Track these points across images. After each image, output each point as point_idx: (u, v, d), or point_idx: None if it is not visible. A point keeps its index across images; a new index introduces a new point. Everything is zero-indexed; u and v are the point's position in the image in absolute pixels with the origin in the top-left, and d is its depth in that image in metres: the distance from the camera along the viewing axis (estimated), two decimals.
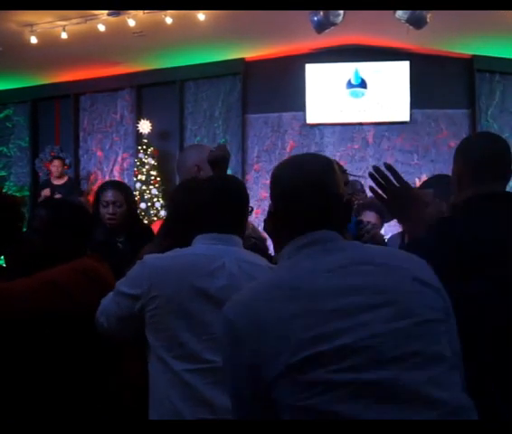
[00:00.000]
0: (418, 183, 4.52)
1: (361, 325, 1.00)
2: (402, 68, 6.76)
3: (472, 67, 6.73)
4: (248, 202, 1.72)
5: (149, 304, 1.53)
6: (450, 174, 2.16)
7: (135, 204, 2.86)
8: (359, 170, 6.96)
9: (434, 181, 2.13)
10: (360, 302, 1.02)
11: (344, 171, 4.00)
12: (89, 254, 1.87)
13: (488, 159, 1.63)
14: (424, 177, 4.55)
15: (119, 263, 1.94)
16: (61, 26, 5.62)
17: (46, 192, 6.63)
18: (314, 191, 1.12)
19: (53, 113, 7.77)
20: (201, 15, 5.45)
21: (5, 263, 1.99)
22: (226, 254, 1.57)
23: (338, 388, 0.96)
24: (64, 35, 5.68)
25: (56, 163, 6.99)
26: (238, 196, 1.68)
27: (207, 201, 1.66)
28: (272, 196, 1.20)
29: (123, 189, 2.69)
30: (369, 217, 2.97)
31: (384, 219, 3.22)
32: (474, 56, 6.66)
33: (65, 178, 7.06)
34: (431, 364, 1.01)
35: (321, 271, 1.06)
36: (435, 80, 6.68)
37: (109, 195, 2.57)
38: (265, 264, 1.62)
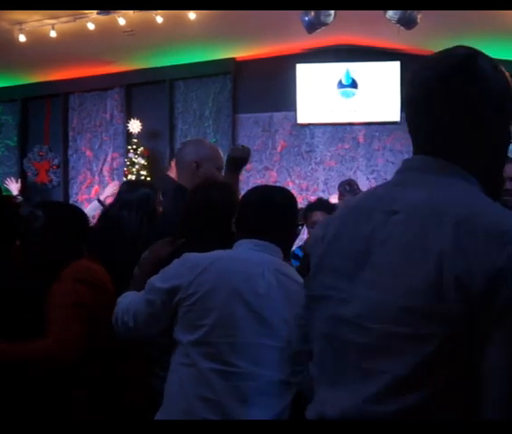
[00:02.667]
0: None
1: None
2: (393, 68, 6.77)
3: None
4: (295, 215, 1.75)
5: (187, 299, 1.55)
6: None
7: None
8: (350, 170, 6.98)
9: None
10: None
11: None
12: (86, 255, 1.87)
13: None
14: None
15: None
16: (49, 25, 5.57)
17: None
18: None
19: (42, 112, 7.70)
20: (191, 15, 5.42)
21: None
22: (266, 263, 1.60)
23: None
24: (53, 34, 5.63)
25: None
26: (284, 207, 1.70)
27: (254, 206, 1.69)
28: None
29: None
30: (318, 217, 2.96)
31: None
32: None
33: None
34: None
35: None
36: None
37: None
38: (299, 279, 1.62)
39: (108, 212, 2.29)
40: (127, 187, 2.39)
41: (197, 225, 1.87)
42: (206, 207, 1.87)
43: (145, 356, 1.87)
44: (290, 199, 1.75)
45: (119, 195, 2.31)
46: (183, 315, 1.56)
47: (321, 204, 3.27)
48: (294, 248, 3.14)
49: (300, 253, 3.10)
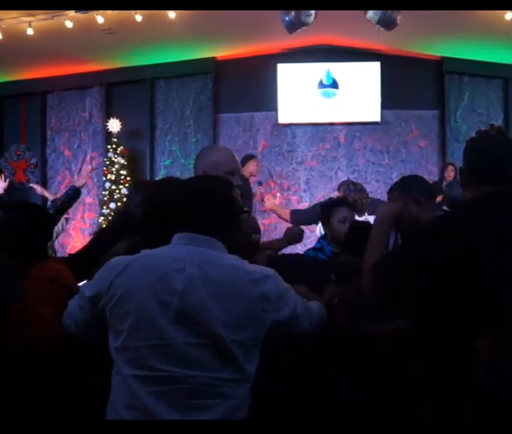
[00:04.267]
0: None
1: None
2: (373, 69, 6.81)
3: (442, 69, 6.83)
4: (229, 203, 1.61)
5: (108, 303, 1.48)
6: (418, 174, 2.24)
7: None
8: (331, 170, 7.00)
9: (400, 183, 2.12)
10: None
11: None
12: (50, 257, 1.84)
13: (487, 160, 1.63)
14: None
15: None
16: (26, 22, 5.48)
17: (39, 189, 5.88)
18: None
19: (19, 111, 7.58)
20: (171, 13, 5.39)
21: None
22: (189, 256, 1.49)
23: None
24: (30, 31, 5.54)
25: None
26: (217, 196, 1.59)
27: (184, 199, 1.60)
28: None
29: None
30: (344, 213, 2.92)
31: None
32: (443, 58, 6.76)
33: None
34: None
35: None
36: (405, 82, 6.74)
37: None
38: (234, 268, 1.51)
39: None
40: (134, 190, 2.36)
41: (152, 224, 1.82)
42: (160, 205, 1.81)
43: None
44: (223, 187, 1.63)
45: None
46: (107, 320, 1.49)
47: (344, 200, 3.25)
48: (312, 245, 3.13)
49: (319, 244, 3.00)
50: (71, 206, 3.78)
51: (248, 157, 6.17)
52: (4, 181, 5.21)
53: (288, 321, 1.52)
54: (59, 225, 3.76)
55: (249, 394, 1.49)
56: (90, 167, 4.35)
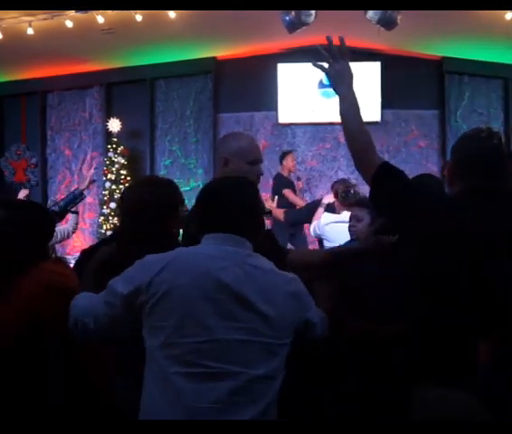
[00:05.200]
0: None
1: None
2: (374, 69, 6.80)
3: (442, 69, 6.82)
4: (255, 203, 1.64)
5: (148, 301, 1.48)
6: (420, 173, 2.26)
7: None
8: (331, 170, 7.00)
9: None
10: None
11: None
12: (51, 257, 1.83)
13: (474, 157, 1.64)
14: None
15: None
16: (26, 22, 5.49)
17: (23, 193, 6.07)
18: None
19: (19, 111, 7.58)
20: (171, 13, 5.39)
21: None
22: (230, 256, 1.52)
23: None
24: (30, 31, 5.55)
25: None
26: (245, 197, 1.61)
27: (213, 200, 1.61)
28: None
29: None
30: (355, 212, 2.89)
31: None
32: (444, 58, 6.75)
33: None
34: None
35: None
36: (406, 81, 6.74)
37: None
38: (268, 268, 1.57)
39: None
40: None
41: (132, 225, 1.81)
42: (137, 207, 1.81)
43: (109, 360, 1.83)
44: (248, 187, 1.66)
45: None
46: (146, 317, 1.49)
47: (356, 200, 3.24)
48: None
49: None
50: (73, 207, 3.76)
51: (285, 153, 6.23)
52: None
53: (314, 322, 1.59)
54: (69, 228, 3.71)
55: (277, 394, 1.50)
56: (91, 172, 4.34)
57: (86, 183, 3.91)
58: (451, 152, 1.75)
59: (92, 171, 4.39)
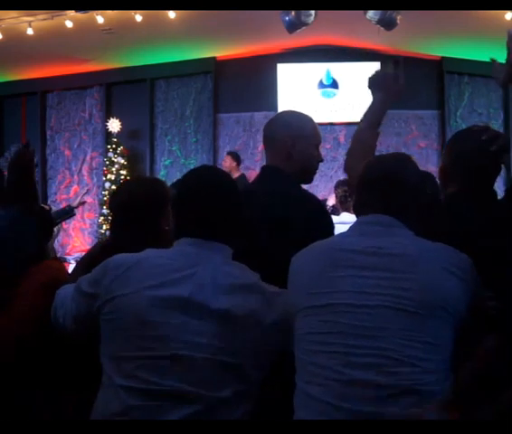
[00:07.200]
0: None
1: None
2: (373, 69, 6.76)
3: (441, 69, 6.82)
4: (238, 201, 1.47)
5: (105, 306, 1.37)
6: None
7: None
8: (331, 170, 6.99)
9: None
10: None
11: None
12: (51, 257, 1.84)
13: (464, 158, 1.64)
14: None
15: None
16: (26, 22, 5.48)
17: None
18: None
19: (19, 111, 7.57)
20: (171, 13, 5.39)
21: None
22: (201, 262, 1.37)
23: None
24: (30, 31, 5.54)
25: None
26: (225, 194, 1.45)
27: (187, 197, 1.45)
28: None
29: None
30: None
31: None
32: (443, 58, 6.75)
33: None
34: None
35: None
36: (405, 82, 6.71)
37: None
38: (244, 276, 1.41)
39: None
40: None
41: (122, 222, 1.73)
42: (127, 204, 1.71)
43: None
44: (231, 184, 1.49)
45: None
46: (101, 324, 1.38)
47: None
48: None
49: None
50: (61, 221, 3.78)
51: None
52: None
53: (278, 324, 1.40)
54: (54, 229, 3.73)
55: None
56: (84, 195, 4.27)
57: (77, 201, 3.87)
58: (443, 152, 1.75)
59: (84, 192, 4.30)
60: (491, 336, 1.27)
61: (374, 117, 1.88)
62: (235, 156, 6.51)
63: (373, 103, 1.89)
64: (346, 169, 1.88)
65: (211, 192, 1.43)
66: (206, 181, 1.47)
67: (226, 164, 6.43)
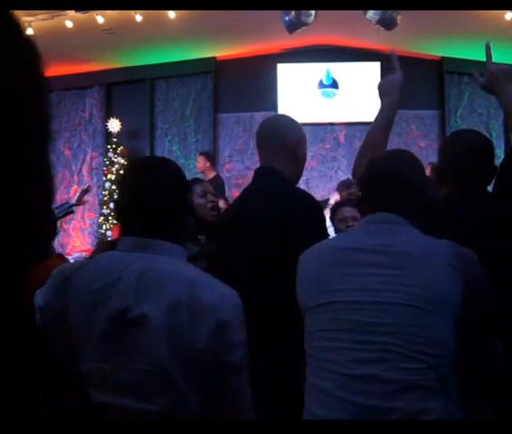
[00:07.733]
0: None
1: None
2: (374, 69, 6.80)
3: (442, 69, 6.82)
4: (184, 194, 1.41)
5: (52, 318, 1.27)
6: None
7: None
8: (331, 170, 6.99)
9: None
10: None
11: None
12: (55, 254, 1.84)
13: (456, 159, 1.65)
14: None
15: None
16: (26, 22, 5.47)
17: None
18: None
19: None
20: (171, 13, 5.39)
21: None
22: (134, 265, 1.24)
23: None
24: (30, 31, 5.53)
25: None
26: (171, 188, 1.37)
27: (124, 195, 1.34)
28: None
29: None
30: (347, 213, 2.99)
31: None
32: (443, 58, 6.75)
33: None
34: None
35: None
36: (405, 82, 6.71)
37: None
38: (185, 274, 1.26)
39: None
40: None
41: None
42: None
43: None
44: (177, 175, 1.42)
45: None
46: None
47: (349, 200, 3.34)
48: None
49: None
50: (60, 217, 3.75)
51: None
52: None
53: (235, 343, 1.27)
54: None
55: None
56: (85, 197, 4.16)
57: (75, 198, 3.79)
58: (438, 153, 1.76)
59: (85, 188, 4.14)
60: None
61: (384, 120, 1.91)
62: (209, 157, 6.39)
63: (382, 108, 1.94)
64: (356, 173, 1.89)
65: (147, 184, 1.33)
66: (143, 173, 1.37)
67: (200, 164, 6.30)
